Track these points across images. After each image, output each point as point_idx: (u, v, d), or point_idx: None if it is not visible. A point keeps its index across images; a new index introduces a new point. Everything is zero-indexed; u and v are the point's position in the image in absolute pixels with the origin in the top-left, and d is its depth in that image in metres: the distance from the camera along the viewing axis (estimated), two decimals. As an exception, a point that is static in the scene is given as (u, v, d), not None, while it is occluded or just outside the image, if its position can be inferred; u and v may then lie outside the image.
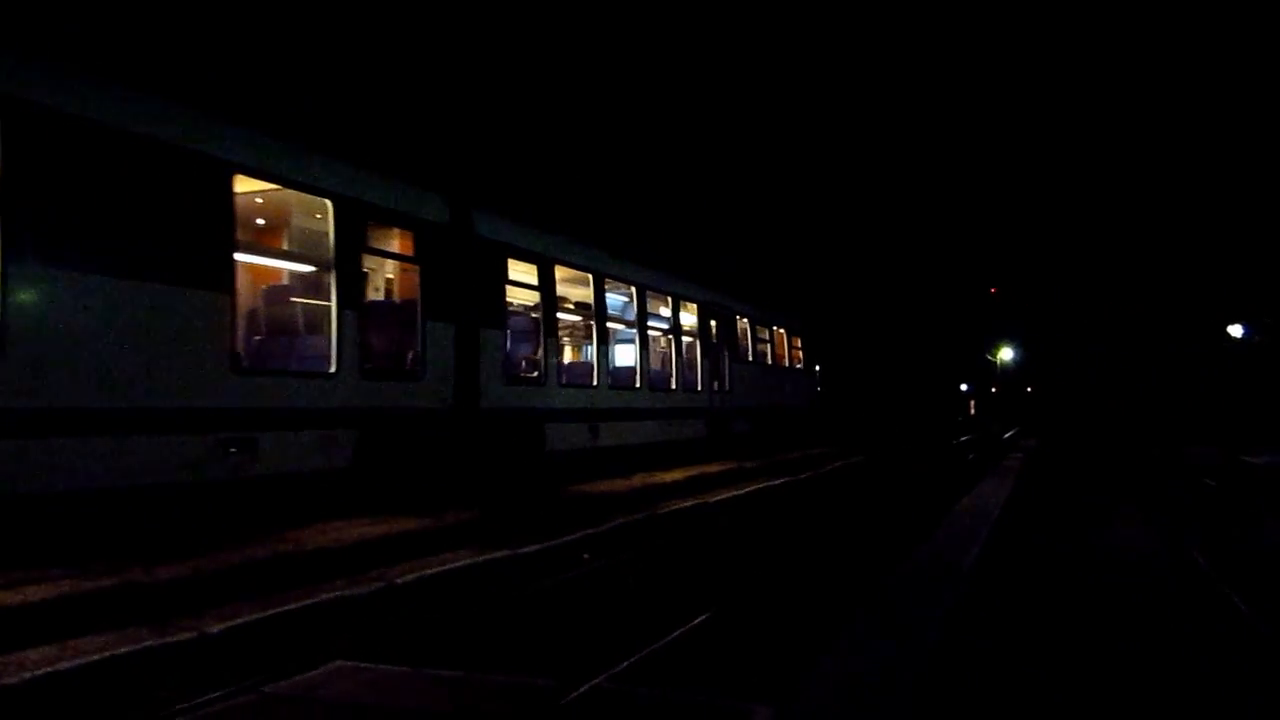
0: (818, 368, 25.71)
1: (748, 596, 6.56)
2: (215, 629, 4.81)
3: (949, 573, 6.37)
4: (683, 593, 6.63)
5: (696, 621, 5.66)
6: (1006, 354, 76.33)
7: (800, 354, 22.44)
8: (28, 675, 3.97)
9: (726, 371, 17.07)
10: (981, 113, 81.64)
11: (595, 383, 12.56)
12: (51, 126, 5.83)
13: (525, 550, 7.44)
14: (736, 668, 4.77)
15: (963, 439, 32.84)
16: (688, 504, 10.82)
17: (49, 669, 4.04)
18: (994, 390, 76.67)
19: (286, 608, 5.32)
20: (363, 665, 4.54)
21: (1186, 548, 8.60)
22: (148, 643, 4.49)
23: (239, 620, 4.98)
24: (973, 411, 68.21)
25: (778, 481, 14.15)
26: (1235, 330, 31.36)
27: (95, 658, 4.23)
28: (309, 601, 5.48)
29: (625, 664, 4.61)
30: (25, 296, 5.63)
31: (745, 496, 12.32)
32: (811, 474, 16.11)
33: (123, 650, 4.36)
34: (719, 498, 11.73)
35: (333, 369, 7.89)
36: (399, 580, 6.19)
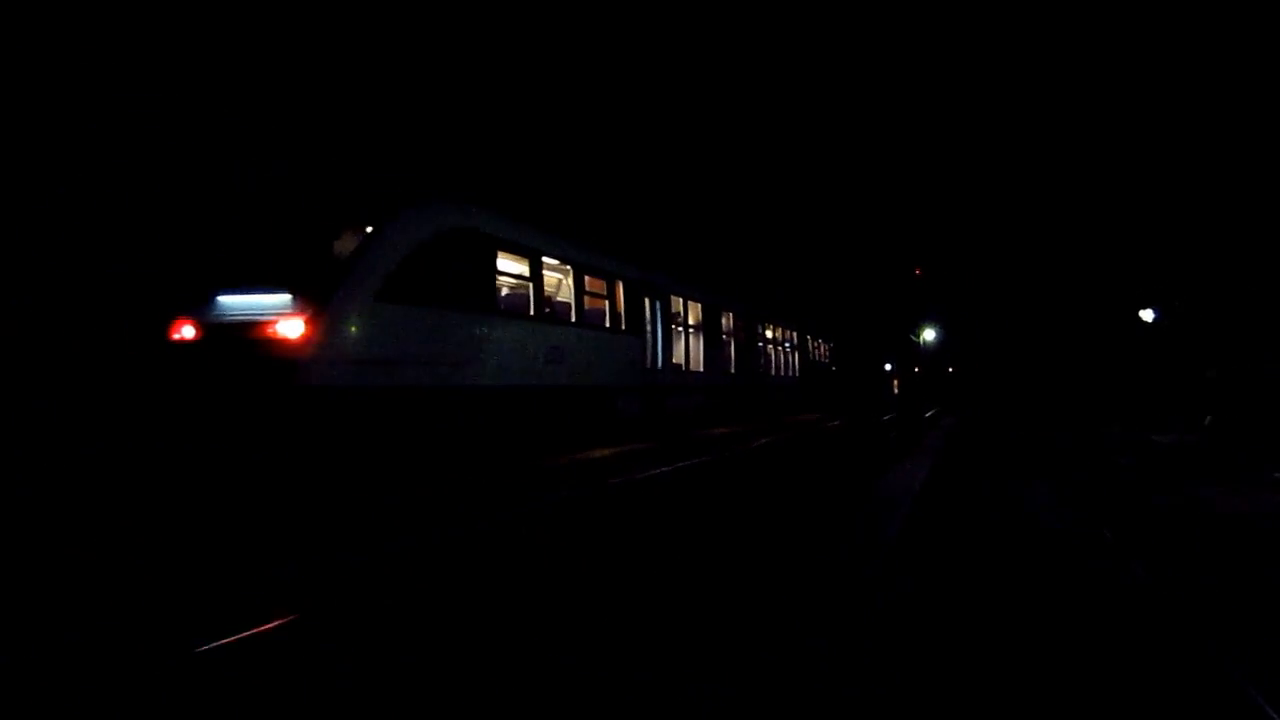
0: (833, 346, 40.14)
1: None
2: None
3: (874, 547, 6.76)
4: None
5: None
6: (929, 334, 79.95)
7: (827, 350, 37.71)
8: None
9: (806, 363, 31.99)
10: (902, 99, 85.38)
11: (773, 373, 27.38)
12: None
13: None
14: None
15: (885, 418, 36.88)
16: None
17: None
18: (916, 370, 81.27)
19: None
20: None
21: (1095, 522, 8.90)
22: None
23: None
24: (896, 390, 71.77)
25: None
26: (1146, 314, 31.98)
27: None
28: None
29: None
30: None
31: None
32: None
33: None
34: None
35: (786, 369, 22.52)
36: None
